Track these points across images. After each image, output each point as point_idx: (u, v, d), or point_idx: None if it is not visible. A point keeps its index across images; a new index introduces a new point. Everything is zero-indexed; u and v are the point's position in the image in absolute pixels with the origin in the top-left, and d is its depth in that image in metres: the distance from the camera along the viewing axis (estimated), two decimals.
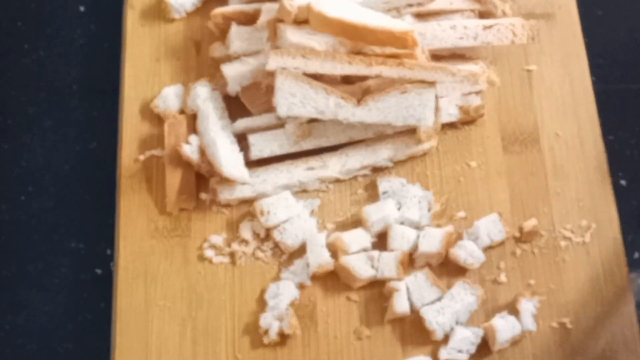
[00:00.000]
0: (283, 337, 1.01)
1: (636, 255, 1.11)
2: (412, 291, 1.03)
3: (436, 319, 1.01)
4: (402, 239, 1.04)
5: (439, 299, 1.02)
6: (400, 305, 1.01)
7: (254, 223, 1.06)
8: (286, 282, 1.03)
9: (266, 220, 1.05)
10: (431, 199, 1.07)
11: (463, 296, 1.02)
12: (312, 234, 1.05)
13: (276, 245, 1.05)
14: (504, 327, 1.00)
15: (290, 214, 1.06)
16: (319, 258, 1.03)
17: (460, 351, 1.01)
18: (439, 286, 1.03)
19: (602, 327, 1.01)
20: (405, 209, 1.06)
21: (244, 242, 1.05)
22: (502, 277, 1.04)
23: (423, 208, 1.06)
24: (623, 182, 1.13)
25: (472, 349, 1.01)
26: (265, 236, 1.06)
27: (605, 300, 1.02)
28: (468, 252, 1.03)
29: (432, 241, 1.04)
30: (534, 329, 1.01)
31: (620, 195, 1.08)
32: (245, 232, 1.06)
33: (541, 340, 1.01)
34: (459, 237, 1.05)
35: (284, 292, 1.02)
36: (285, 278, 1.03)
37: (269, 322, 1.01)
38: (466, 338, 1.01)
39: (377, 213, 1.05)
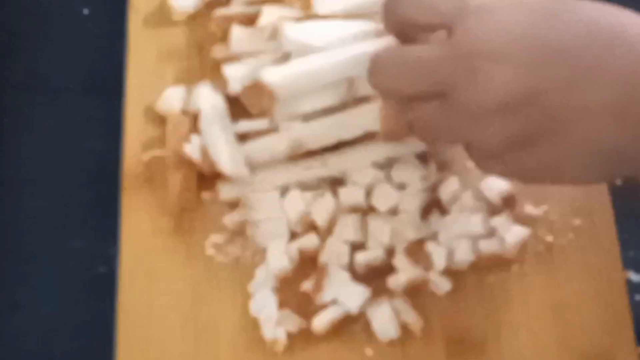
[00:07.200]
0: (291, 338, 1.01)
1: (631, 253, 1.11)
2: (338, 223, 1.04)
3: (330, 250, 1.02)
4: (385, 200, 1.04)
5: (355, 241, 1.03)
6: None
7: (233, 214, 1.07)
8: (262, 292, 1.02)
9: (245, 214, 1.06)
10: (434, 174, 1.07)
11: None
12: (280, 238, 1.05)
13: (245, 241, 1.06)
14: None
15: (270, 215, 1.06)
16: (278, 263, 1.03)
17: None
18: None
19: (599, 327, 1.02)
20: (397, 171, 1.06)
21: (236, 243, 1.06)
22: None
23: (416, 174, 1.06)
24: (620, 181, 1.13)
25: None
26: (240, 230, 1.06)
27: (602, 299, 1.03)
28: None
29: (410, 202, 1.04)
30: None
31: (618, 195, 1.09)
32: (228, 220, 1.06)
33: (536, 337, 1.01)
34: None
35: (267, 302, 1.02)
36: (255, 291, 1.03)
37: (273, 332, 1.01)
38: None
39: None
